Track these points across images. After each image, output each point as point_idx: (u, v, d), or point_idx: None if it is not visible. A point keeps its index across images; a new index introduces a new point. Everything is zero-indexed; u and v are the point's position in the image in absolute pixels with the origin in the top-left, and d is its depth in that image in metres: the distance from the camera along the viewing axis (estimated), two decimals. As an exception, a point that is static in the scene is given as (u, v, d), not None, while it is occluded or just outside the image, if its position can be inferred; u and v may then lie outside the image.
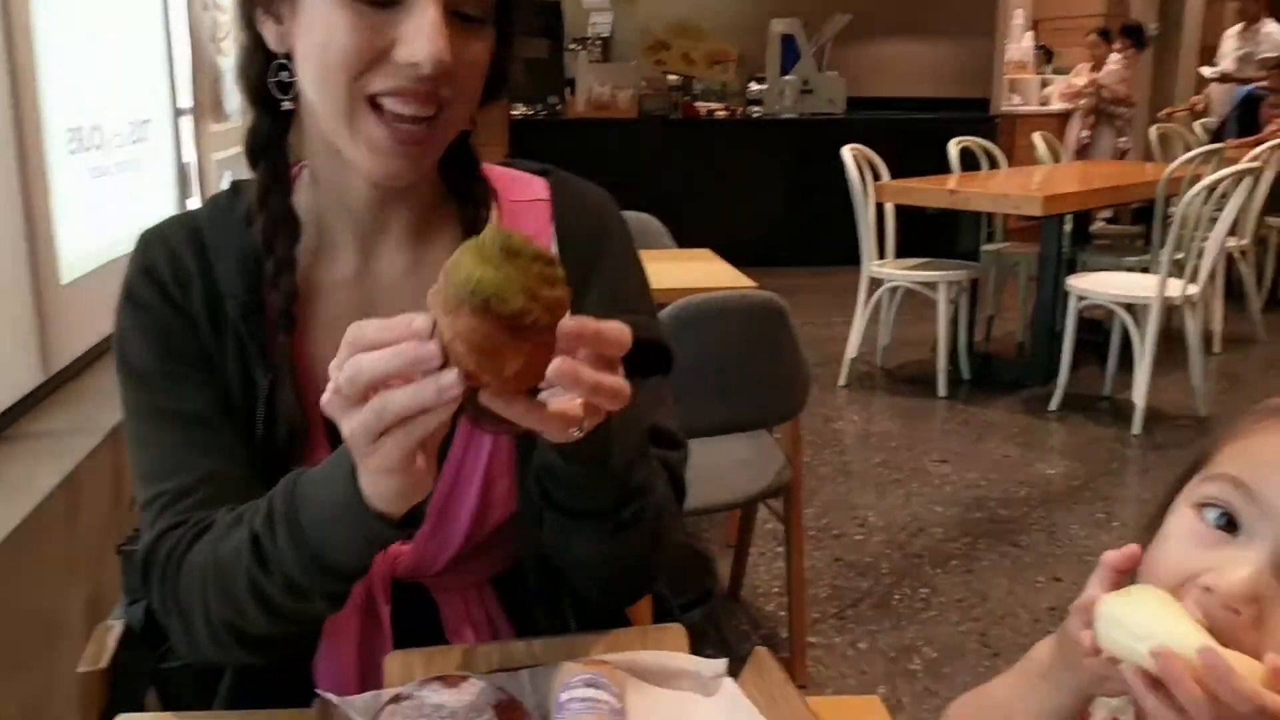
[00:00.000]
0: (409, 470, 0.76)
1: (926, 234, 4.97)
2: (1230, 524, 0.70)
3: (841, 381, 4.79)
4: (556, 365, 0.69)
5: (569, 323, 0.71)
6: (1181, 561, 0.71)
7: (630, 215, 3.66)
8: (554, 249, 1.07)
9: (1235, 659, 0.61)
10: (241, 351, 0.98)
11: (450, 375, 0.69)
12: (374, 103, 0.90)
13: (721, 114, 7.79)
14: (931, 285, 4.60)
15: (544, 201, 1.10)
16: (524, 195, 1.11)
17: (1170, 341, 4.74)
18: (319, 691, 0.84)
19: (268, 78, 0.96)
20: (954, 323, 4.78)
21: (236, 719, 0.92)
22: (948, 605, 2.88)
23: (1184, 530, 0.72)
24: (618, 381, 0.73)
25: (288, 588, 0.86)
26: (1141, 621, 0.64)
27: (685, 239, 3.42)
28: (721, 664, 0.91)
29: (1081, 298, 4.32)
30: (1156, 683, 0.63)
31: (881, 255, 4.76)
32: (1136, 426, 4.13)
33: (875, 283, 4.74)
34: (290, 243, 0.99)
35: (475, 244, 0.69)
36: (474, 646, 0.92)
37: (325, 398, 0.74)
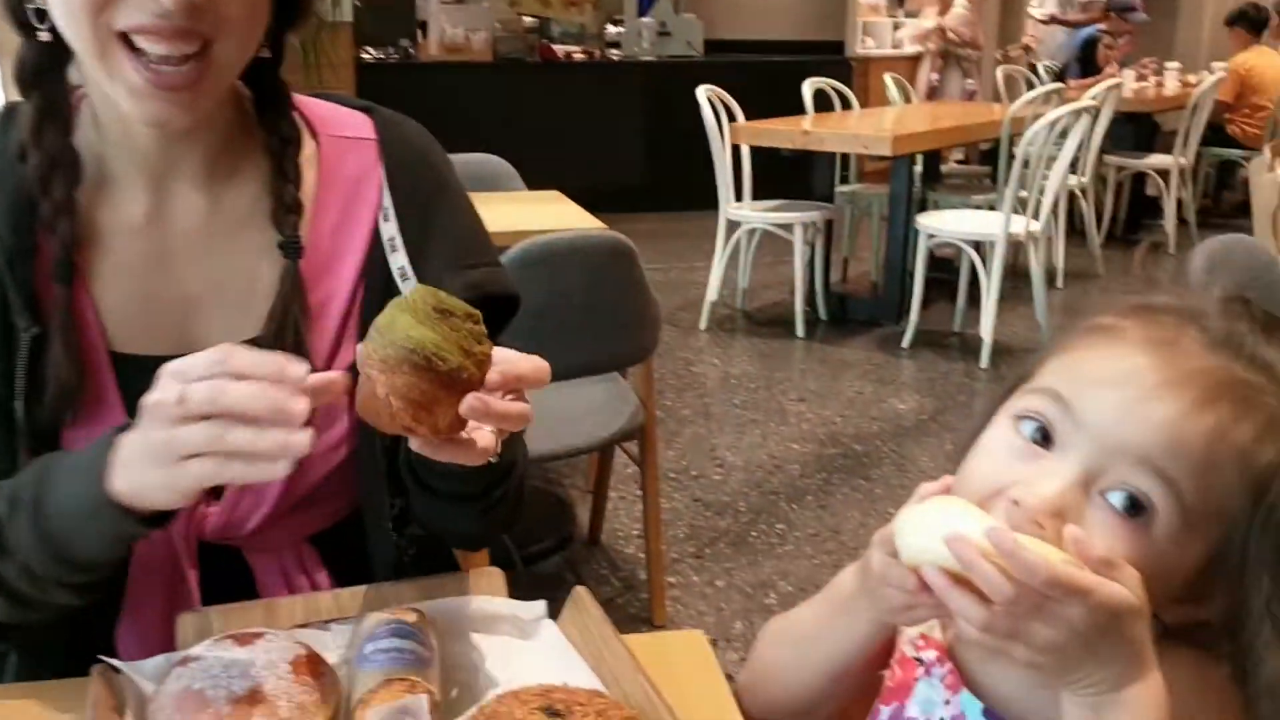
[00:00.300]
0: (193, 495, 0.75)
1: (783, 176, 5.01)
2: (1045, 438, 0.70)
3: (702, 325, 4.81)
4: (470, 404, 0.73)
5: (495, 377, 0.76)
6: (994, 473, 0.71)
7: (478, 158, 3.54)
8: (386, 196, 1.02)
9: (1032, 542, 0.61)
10: (4, 301, 0.90)
11: (304, 437, 0.70)
12: (127, 40, 0.82)
13: (580, 56, 7.69)
14: (787, 227, 4.64)
15: (370, 140, 1.04)
16: (346, 131, 1.05)
17: (1016, 277, 4.90)
18: (101, 658, 0.79)
19: (24, 2, 0.87)
20: (810, 264, 4.84)
21: (20, 692, 0.85)
22: (803, 540, 2.93)
23: (999, 442, 0.73)
24: (523, 408, 0.78)
25: (27, 575, 0.82)
26: (936, 521, 0.64)
27: (543, 184, 3.36)
28: (540, 606, 0.88)
29: (931, 236, 4.42)
30: (959, 579, 0.62)
31: (739, 198, 4.78)
32: (984, 360, 4.26)
33: (733, 225, 4.76)
34: (69, 184, 0.91)
35: (407, 304, 0.73)
36: (275, 601, 0.88)
37: (155, 398, 0.73)
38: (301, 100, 1.05)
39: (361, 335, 1.00)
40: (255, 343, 0.95)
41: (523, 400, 0.79)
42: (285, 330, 0.95)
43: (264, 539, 0.99)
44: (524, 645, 0.86)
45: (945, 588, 0.63)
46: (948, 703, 0.77)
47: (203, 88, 0.86)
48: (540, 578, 2.72)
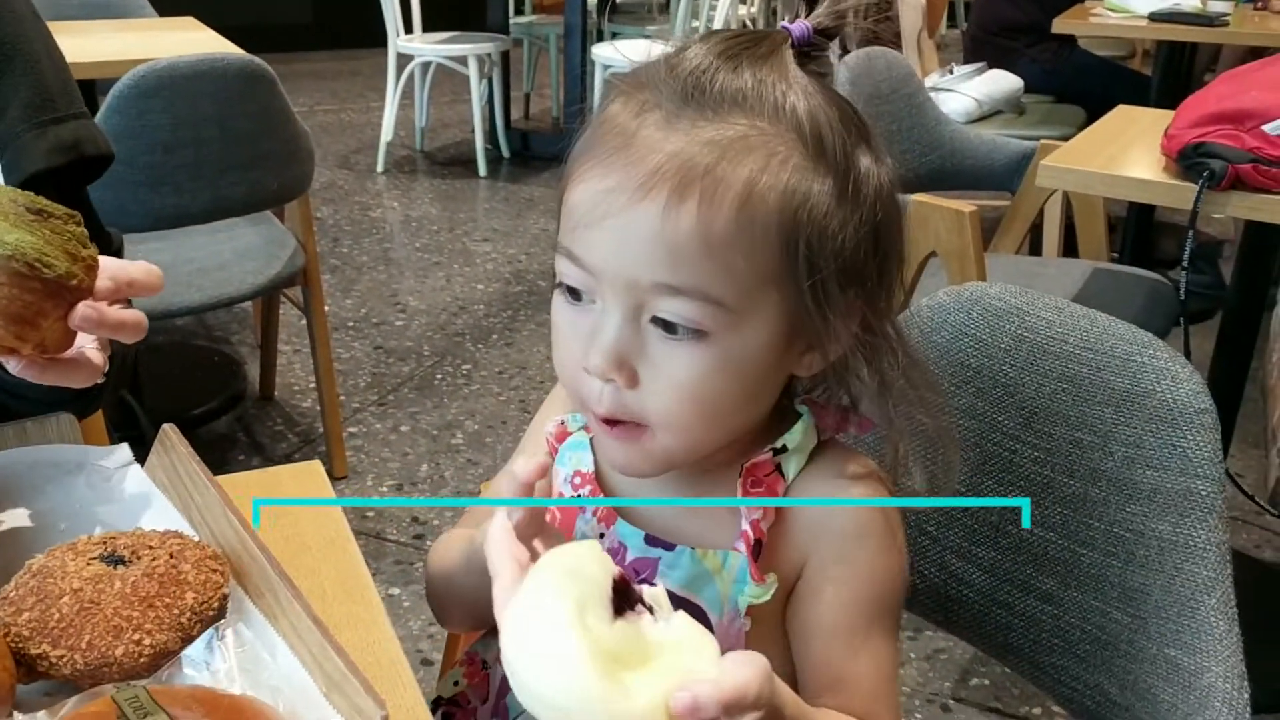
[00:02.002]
0: None
1: (455, 7, 4.78)
2: (585, 293, 0.64)
3: (379, 168, 4.58)
4: (82, 314, 0.66)
5: (106, 284, 0.68)
6: (567, 347, 0.66)
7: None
8: None
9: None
10: None
11: None
12: None
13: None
14: (462, 60, 4.45)
15: None
16: None
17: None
18: None
19: None
20: (491, 101, 4.69)
21: None
22: (489, 379, 2.90)
23: (558, 313, 0.67)
24: (138, 316, 0.70)
25: None
26: (545, 696, 0.53)
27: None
28: (124, 451, 0.78)
29: (608, 67, 4.37)
30: None
31: (409, 30, 4.53)
32: (664, 191, 4.31)
33: (404, 59, 4.51)
34: None
35: None
36: None
37: None
38: None
39: None
40: None
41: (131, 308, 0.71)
42: None
43: None
44: (103, 495, 0.75)
45: None
46: (602, 536, 0.74)
47: None
48: (212, 439, 2.55)
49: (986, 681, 1.83)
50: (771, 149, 0.61)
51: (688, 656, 0.55)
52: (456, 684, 0.83)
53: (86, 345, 0.71)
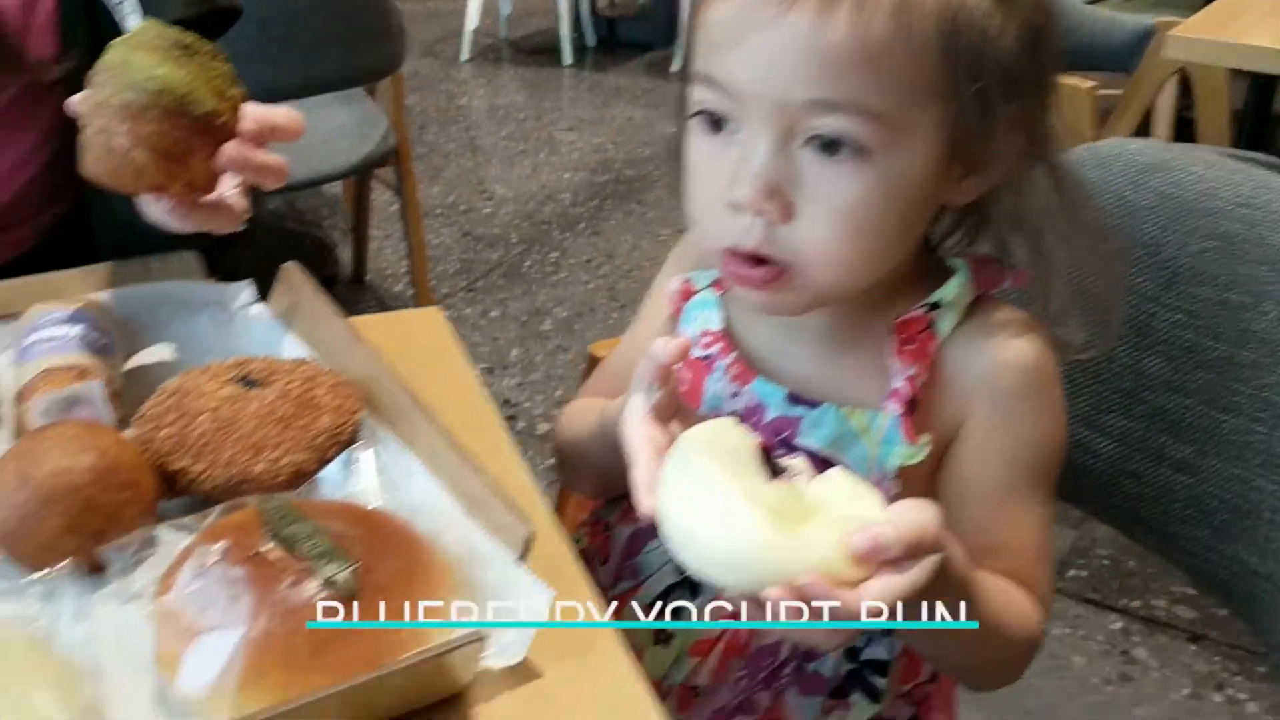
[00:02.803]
0: None
1: (541, -110, 4.66)
2: (727, 122, 0.61)
3: (464, 56, 4.53)
4: (229, 154, 0.66)
5: (250, 125, 0.68)
6: (707, 186, 0.62)
7: None
8: None
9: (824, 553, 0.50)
10: None
11: None
12: None
13: None
14: (548, -56, 4.35)
15: None
16: None
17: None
18: None
19: None
20: (576, -13, 4.60)
21: None
22: (577, 266, 2.88)
23: (695, 151, 0.64)
24: (280, 160, 0.71)
25: None
26: (717, 554, 0.51)
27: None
28: (248, 289, 0.78)
29: (697, -48, 4.24)
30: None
31: (494, -86, 4.43)
32: (753, 82, 4.20)
33: (490, -56, 4.43)
34: None
35: (142, 40, 0.62)
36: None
37: None
38: None
39: (61, 44, 0.85)
40: None
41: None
42: None
43: None
44: (230, 332, 0.75)
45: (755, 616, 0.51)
46: (735, 395, 0.71)
47: None
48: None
49: (1085, 573, 1.80)
50: None
51: (854, 507, 0.53)
52: (578, 541, 0.83)
53: (227, 191, 0.70)
